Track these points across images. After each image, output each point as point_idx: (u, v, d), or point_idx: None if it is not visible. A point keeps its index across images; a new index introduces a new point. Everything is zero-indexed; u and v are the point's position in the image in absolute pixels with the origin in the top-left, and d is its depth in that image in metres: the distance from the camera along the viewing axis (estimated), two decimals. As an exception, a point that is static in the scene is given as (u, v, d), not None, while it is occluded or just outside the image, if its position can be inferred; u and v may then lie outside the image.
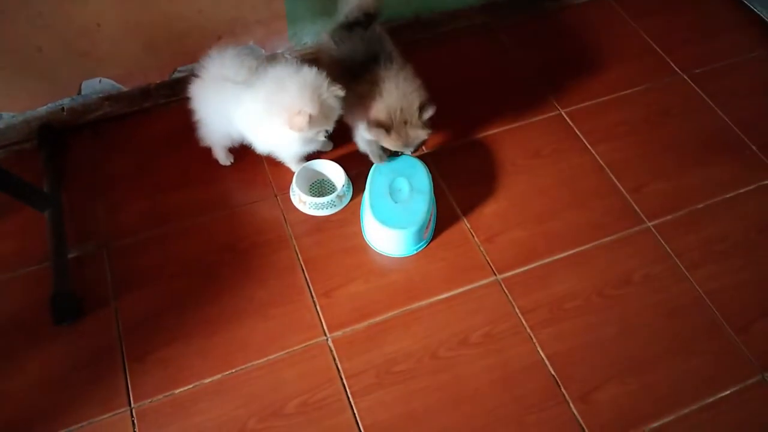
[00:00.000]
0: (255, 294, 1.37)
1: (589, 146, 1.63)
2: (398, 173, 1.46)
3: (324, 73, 1.32)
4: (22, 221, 1.46)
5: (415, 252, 1.43)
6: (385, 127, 1.35)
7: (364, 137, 1.44)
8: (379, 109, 1.36)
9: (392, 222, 1.38)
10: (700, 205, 1.53)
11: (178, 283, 1.39)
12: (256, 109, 1.35)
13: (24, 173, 1.43)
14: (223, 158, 1.56)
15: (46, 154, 1.57)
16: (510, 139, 1.65)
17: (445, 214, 1.51)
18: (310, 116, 1.29)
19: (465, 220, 1.50)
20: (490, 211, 1.51)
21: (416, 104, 1.36)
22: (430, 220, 1.43)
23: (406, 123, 1.36)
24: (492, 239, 1.47)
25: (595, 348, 1.32)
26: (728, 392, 1.27)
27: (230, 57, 1.36)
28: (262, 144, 1.45)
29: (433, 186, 1.47)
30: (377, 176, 1.46)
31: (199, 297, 1.37)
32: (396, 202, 1.42)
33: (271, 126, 1.36)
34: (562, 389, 1.26)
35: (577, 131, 1.66)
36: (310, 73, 1.31)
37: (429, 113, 1.37)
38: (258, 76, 1.36)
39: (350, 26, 1.42)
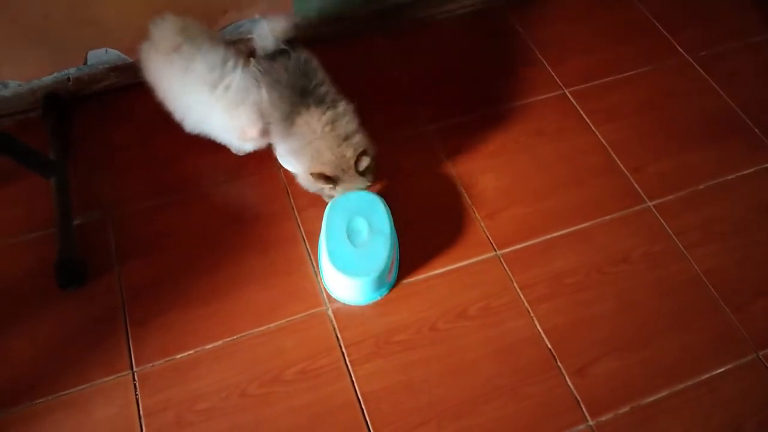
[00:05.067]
0: (257, 263, 1.39)
1: (591, 126, 1.63)
2: (356, 212, 1.34)
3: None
4: (28, 188, 1.48)
5: (377, 299, 1.34)
6: (331, 180, 1.32)
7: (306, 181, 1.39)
8: (317, 164, 1.32)
9: (352, 269, 1.28)
10: (701, 186, 1.54)
11: (181, 252, 1.40)
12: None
13: (30, 141, 1.44)
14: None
15: (52, 122, 1.58)
16: (513, 117, 1.65)
17: (446, 190, 1.52)
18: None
19: (466, 195, 1.51)
20: (491, 187, 1.52)
21: (350, 154, 1.31)
22: (392, 263, 1.33)
23: (344, 171, 1.32)
24: (493, 215, 1.47)
25: (592, 323, 1.33)
26: (723, 370, 1.28)
27: (161, 27, 1.39)
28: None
29: (394, 224, 1.37)
30: (333, 216, 1.35)
31: (202, 265, 1.38)
32: (355, 246, 1.31)
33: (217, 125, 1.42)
34: (558, 362, 1.28)
35: (580, 111, 1.67)
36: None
37: (365, 163, 1.32)
38: (182, 55, 1.37)
39: (273, 55, 1.37)
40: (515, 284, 1.37)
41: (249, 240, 1.42)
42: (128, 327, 1.30)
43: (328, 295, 1.35)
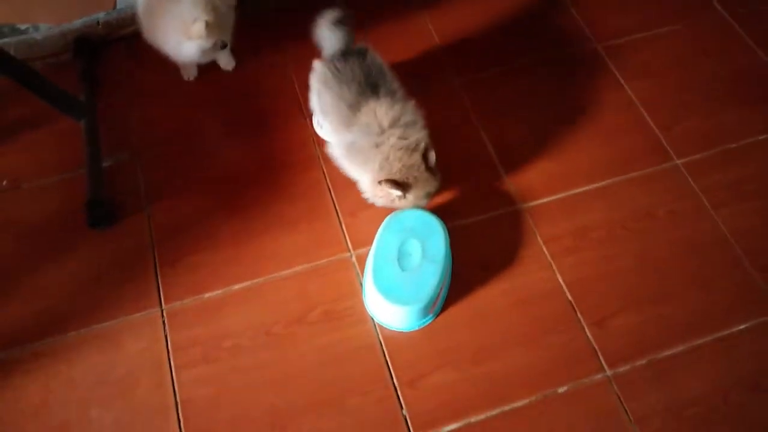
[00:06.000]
0: (283, 210, 1.41)
1: (622, 81, 1.61)
2: (412, 234, 1.27)
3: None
4: (59, 129, 1.50)
5: (417, 328, 1.26)
6: (402, 186, 1.25)
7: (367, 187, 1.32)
8: (384, 173, 1.25)
9: (395, 295, 1.21)
10: (732, 146, 1.51)
11: (209, 196, 1.43)
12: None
13: (60, 83, 1.46)
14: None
15: (82, 65, 1.60)
16: (542, 72, 1.63)
17: (473, 143, 1.51)
18: (207, 23, 1.34)
19: (492, 149, 1.50)
20: (517, 141, 1.51)
21: (417, 158, 1.25)
22: (439, 294, 1.25)
23: (416, 178, 1.26)
24: (518, 169, 1.47)
25: (614, 278, 1.33)
26: (742, 327, 1.29)
27: None
28: (152, 39, 1.49)
29: (450, 248, 1.29)
30: (387, 234, 1.27)
31: (229, 209, 1.41)
32: (403, 270, 1.24)
33: (166, 32, 1.42)
34: (578, 314, 1.29)
35: (611, 66, 1.64)
36: None
37: (433, 157, 1.26)
38: None
39: (345, 56, 1.32)
40: (539, 237, 1.38)
41: (275, 187, 1.44)
42: (157, 266, 1.33)
43: (352, 242, 1.37)
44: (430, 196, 1.32)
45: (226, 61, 1.60)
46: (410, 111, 1.29)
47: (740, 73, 1.64)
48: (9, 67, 1.35)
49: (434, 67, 1.64)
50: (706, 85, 1.61)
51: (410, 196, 1.28)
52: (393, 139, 1.25)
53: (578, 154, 1.49)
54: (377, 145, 1.25)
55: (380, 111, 1.27)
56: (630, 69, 1.63)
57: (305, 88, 1.56)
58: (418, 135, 1.27)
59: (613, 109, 1.57)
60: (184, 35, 1.38)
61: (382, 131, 1.26)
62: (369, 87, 1.28)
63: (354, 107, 1.28)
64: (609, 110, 1.56)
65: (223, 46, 1.45)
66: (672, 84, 1.61)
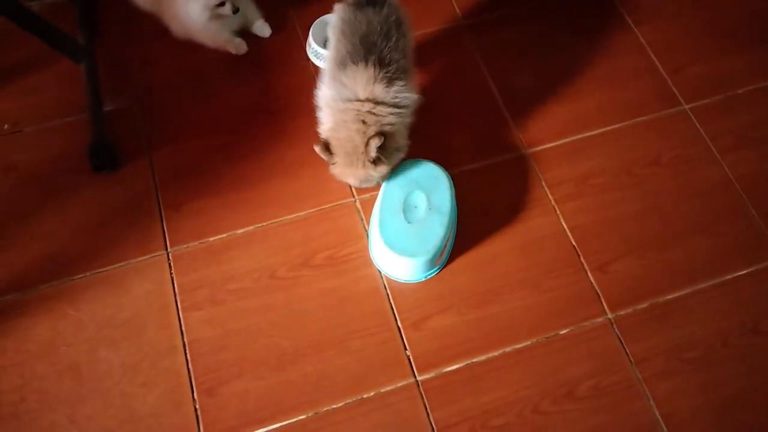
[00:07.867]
0: (286, 155, 1.40)
1: (632, 25, 1.58)
2: (417, 185, 1.25)
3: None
4: (59, 73, 1.48)
5: (423, 279, 1.27)
6: (328, 153, 1.17)
7: None
8: (332, 132, 1.18)
9: (401, 247, 1.20)
10: (740, 91, 1.49)
11: (212, 140, 1.42)
12: None
13: (58, 25, 1.42)
14: None
15: (80, 7, 1.56)
16: (548, 15, 1.60)
17: (478, 88, 1.49)
18: None
19: (497, 93, 1.48)
20: (523, 86, 1.49)
21: (361, 141, 1.14)
22: (446, 246, 1.24)
23: (352, 164, 1.18)
24: (523, 113, 1.45)
25: (617, 223, 1.33)
26: (745, 272, 1.29)
27: None
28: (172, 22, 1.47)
29: (455, 199, 1.27)
30: (392, 187, 1.25)
31: (233, 154, 1.40)
32: (409, 222, 1.22)
33: None
34: (581, 259, 1.29)
35: (621, 9, 1.60)
36: None
37: (374, 145, 1.14)
38: None
39: (360, 4, 1.20)
40: (543, 182, 1.37)
41: (279, 131, 1.43)
42: (162, 210, 1.33)
43: (357, 189, 1.36)
44: (370, 181, 1.24)
45: (260, 27, 1.54)
46: (392, 92, 1.16)
47: (751, 17, 1.60)
48: (6, 7, 1.32)
49: (437, 8, 1.60)
50: (717, 28, 1.58)
51: (337, 170, 1.21)
52: (362, 110, 1.16)
53: (585, 99, 1.47)
54: (343, 108, 1.17)
55: (361, 80, 1.16)
56: (640, 12, 1.60)
57: (307, 30, 1.53)
58: (382, 122, 1.16)
59: (622, 53, 1.54)
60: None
61: (356, 99, 1.16)
62: (364, 47, 1.16)
63: (341, 65, 1.18)
64: (617, 54, 1.53)
65: (235, 11, 1.40)
66: (682, 27, 1.58)
